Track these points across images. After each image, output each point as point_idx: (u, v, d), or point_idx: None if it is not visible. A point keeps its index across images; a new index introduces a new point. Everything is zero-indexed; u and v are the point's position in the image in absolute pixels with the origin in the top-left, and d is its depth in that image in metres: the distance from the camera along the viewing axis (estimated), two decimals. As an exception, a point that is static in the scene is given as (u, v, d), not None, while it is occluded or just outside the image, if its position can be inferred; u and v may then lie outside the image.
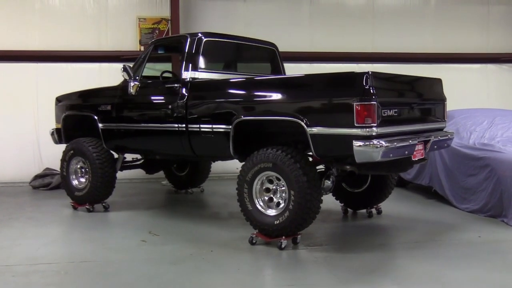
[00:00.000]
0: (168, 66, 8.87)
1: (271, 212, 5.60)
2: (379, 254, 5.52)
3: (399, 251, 5.54)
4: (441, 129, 6.32)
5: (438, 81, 6.41)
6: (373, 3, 11.15)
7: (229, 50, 7.16)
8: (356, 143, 4.85)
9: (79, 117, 7.78)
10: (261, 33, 10.27)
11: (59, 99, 8.16)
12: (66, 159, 7.65)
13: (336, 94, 5.15)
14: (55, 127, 8.15)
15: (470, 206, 7.07)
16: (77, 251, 5.69)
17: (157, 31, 10.20)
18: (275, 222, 5.47)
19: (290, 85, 5.74)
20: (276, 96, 5.60)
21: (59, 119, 8.02)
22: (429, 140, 5.72)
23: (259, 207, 5.65)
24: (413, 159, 5.55)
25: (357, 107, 4.84)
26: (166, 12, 10.27)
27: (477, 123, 7.78)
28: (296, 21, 10.91)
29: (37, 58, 9.98)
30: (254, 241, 5.69)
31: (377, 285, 4.60)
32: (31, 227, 6.82)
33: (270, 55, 7.58)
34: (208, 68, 6.57)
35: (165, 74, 7.21)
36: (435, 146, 5.94)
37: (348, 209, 7.25)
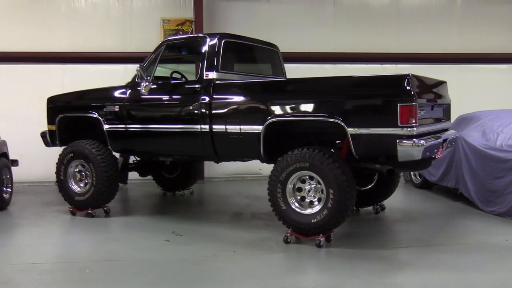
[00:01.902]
0: (191, 67, 8.89)
1: (308, 211, 5.63)
2: (403, 256, 5.48)
3: (424, 254, 5.45)
4: (447, 129, 6.51)
5: (445, 83, 6.50)
6: (398, 3, 11.05)
7: (244, 51, 7.17)
8: (400, 142, 5.04)
9: (77, 118, 7.47)
10: (284, 34, 10.34)
11: (52, 100, 7.77)
12: (64, 163, 7.22)
13: (378, 95, 5.34)
14: (47, 129, 7.73)
15: (496, 209, 6.94)
16: (101, 250, 5.75)
17: (181, 32, 10.25)
18: (312, 220, 5.53)
19: (328, 86, 5.84)
20: (314, 97, 5.69)
21: (52, 120, 7.61)
22: (447, 138, 5.94)
23: (294, 207, 5.68)
24: (435, 157, 5.73)
25: (401, 108, 5.06)
26: (190, 14, 10.33)
27: (504, 124, 7.63)
28: (320, 21, 10.87)
29: (63, 59, 10.14)
30: (289, 240, 5.71)
31: (402, 288, 4.56)
32: (57, 226, 6.93)
33: (274, 57, 7.58)
34: (227, 69, 6.58)
35: (174, 75, 7.15)
36: (448, 145, 6.15)
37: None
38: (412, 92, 5.11)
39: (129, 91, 7.00)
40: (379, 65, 10.69)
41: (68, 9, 10.33)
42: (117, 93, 7.13)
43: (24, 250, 5.81)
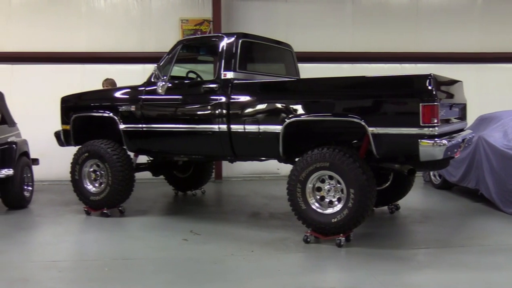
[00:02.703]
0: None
1: (328, 210, 5.64)
2: (421, 256, 5.43)
3: (442, 255, 5.39)
4: (463, 129, 6.48)
5: (461, 83, 6.44)
6: (417, 2, 10.96)
7: (260, 51, 7.17)
8: (422, 142, 5.05)
9: (91, 118, 7.46)
10: (302, 33, 10.33)
11: (66, 100, 7.76)
12: (79, 162, 7.22)
13: (399, 95, 5.36)
14: (61, 129, 7.75)
15: (518, 210, 6.85)
16: (119, 249, 5.80)
17: (199, 32, 10.30)
18: (333, 220, 5.54)
19: (350, 86, 5.85)
20: (335, 96, 5.71)
21: (66, 120, 7.61)
22: (465, 138, 5.91)
23: (314, 206, 5.69)
24: (454, 157, 5.75)
25: (423, 107, 5.07)
26: (208, 14, 10.37)
27: (526, 124, 7.52)
28: (338, 21, 10.83)
29: (83, 59, 10.26)
30: (308, 240, 5.71)
31: (421, 289, 4.52)
32: (75, 225, 7.00)
33: (288, 56, 7.57)
34: (244, 69, 6.58)
35: (190, 75, 7.14)
36: (466, 145, 6.12)
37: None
38: (434, 92, 5.10)
39: (146, 90, 6.99)
40: (398, 65, 10.61)
41: (88, 10, 10.46)
42: (133, 93, 7.12)
43: (44, 247, 5.88)
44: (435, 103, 5.09)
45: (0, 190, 7.51)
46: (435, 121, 5.09)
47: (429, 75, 5.16)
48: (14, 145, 7.67)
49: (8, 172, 7.33)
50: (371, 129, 5.33)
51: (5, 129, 7.88)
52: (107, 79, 8.63)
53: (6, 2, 10.32)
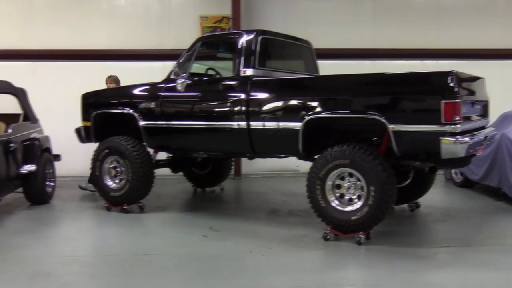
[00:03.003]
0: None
1: (348, 208, 5.61)
2: (442, 255, 5.37)
3: (464, 254, 5.33)
4: (485, 126, 6.40)
5: (483, 80, 6.36)
6: (438, -2, 10.83)
7: (279, 48, 7.15)
8: (444, 140, 5.01)
9: (111, 114, 7.50)
10: (322, 30, 10.29)
11: (86, 96, 7.86)
12: (99, 159, 7.30)
13: (421, 92, 5.32)
14: (82, 125, 7.84)
15: (542, 209, 6.74)
16: (140, 245, 5.84)
17: (218, 29, 10.31)
18: (352, 217, 5.52)
19: (370, 83, 5.80)
20: (355, 93, 5.68)
21: (87, 117, 7.70)
22: (487, 136, 5.85)
23: (334, 204, 5.67)
24: (476, 155, 5.69)
25: (445, 105, 5.03)
26: (227, 11, 10.38)
27: (550, 122, 7.40)
28: (358, 17, 10.76)
29: (103, 56, 10.34)
30: (328, 237, 5.70)
31: (442, 288, 4.47)
32: (96, 220, 7.09)
33: (307, 53, 7.54)
34: (264, 66, 6.57)
35: (209, 71, 7.15)
36: (488, 143, 6.06)
37: None
38: (456, 89, 5.04)
39: (165, 87, 7.02)
40: (419, 62, 10.49)
41: (109, 7, 10.56)
42: (152, 90, 7.16)
43: (65, 242, 5.96)
44: (457, 100, 5.03)
45: (23, 186, 7.63)
46: (457, 118, 5.04)
47: (451, 71, 5.10)
48: (36, 141, 7.78)
49: (30, 168, 7.44)
50: (391, 126, 5.29)
51: (28, 125, 8.00)
52: (110, 76, 8.65)
53: (28, 2, 10.47)
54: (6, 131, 7.30)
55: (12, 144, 7.14)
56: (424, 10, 10.83)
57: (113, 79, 8.62)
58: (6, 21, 10.43)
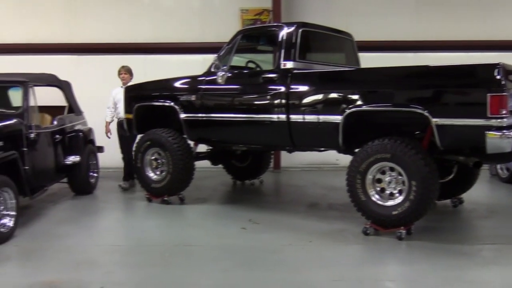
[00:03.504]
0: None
1: (389, 202, 5.55)
2: (486, 252, 5.23)
3: (509, 252, 5.18)
4: None
5: None
6: (486, -13, 10.50)
7: (320, 40, 7.08)
8: (489, 134, 4.89)
9: (153, 107, 7.58)
10: (363, 22, 10.13)
11: (129, 89, 7.99)
12: (141, 151, 7.43)
13: (466, 85, 5.21)
14: (125, 118, 7.97)
15: None
16: (180, 236, 5.93)
17: (259, 22, 10.30)
18: (393, 212, 5.45)
19: (412, 76, 5.69)
20: (397, 86, 5.60)
21: (129, 109, 7.80)
22: None
23: (374, 198, 5.61)
24: None
25: (491, 98, 4.89)
26: (267, 3, 10.34)
27: None
28: (401, 8, 10.54)
29: (145, 50, 10.50)
30: (368, 232, 5.65)
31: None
32: (137, 211, 7.24)
33: (349, 46, 7.43)
34: (304, 58, 6.52)
35: (249, 64, 7.12)
36: None
37: None
38: (503, 82, 4.89)
39: (206, 80, 7.06)
40: (464, 54, 10.20)
41: (151, 1, 10.70)
42: (193, 83, 7.21)
43: (108, 232, 6.11)
44: (504, 93, 4.88)
45: (68, 176, 7.84)
46: (504, 112, 4.88)
47: (498, 64, 4.94)
48: (80, 133, 7.98)
49: (75, 159, 7.64)
50: (435, 120, 5.18)
51: (73, 117, 8.19)
52: (124, 67, 8.68)
53: (72, -4, 10.73)
54: (51, 123, 7.51)
55: (57, 136, 7.34)
56: (469, 0, 10.52)
57: (126, 69, 8.67)
58: (51, 16, 10.68)
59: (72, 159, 7.61)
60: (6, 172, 5.65)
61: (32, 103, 6.68)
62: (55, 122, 7.50)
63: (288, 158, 10.18)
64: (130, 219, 6.89)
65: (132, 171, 8.29)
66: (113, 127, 8.88)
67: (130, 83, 8.41)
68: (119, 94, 8.41)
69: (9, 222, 5.56)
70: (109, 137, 8.77)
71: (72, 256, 5.09)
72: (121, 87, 8.49)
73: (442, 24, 10.41)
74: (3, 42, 10.49)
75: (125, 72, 8.63)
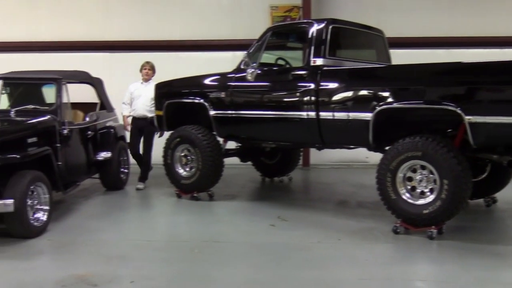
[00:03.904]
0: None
1: (419, 201, 5.48)
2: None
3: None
4: None
5: None
6: (521, -19, 10.23)
7: (350, 37, 7.01)
8: None
9: (183, 104, 7.62)
10: (393, 18, 10.01)
11: (160, 86, 8.00)
12: (171, 147, 7.48)
13: (500, 82, 5.09)
14: (155, 114, 8.00)
15: None
16: (209, 232, 5.96)
17: (288, 19, 10.26)
18: (424, 211, 5.38)
19: (445, 73, 5.61)
20: (429, 83, 5.51)
21: (160, 106, 7.83)
22: None
23: (405, 197, 5.55)
24: None
25: None
26: (297, 0, 10.30)
27: None
28: (433, 4, 10.37)
29: (177, 47, 10.61)
30: (398, 231, 5.60)
31: (519, 287, 4.27)
32: (167, 207, 7.31)
33: (379, 42, 7.33)
34: (334, 55, 6.47)
35: (279, 61, 7.10)
36: None
37: None
38: None
39: (235, 77, 7.08)
40: (498, 50, 9.98)
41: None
42: (223, 80, 7.23)
43: (138, 227, 6.19)
44: None
45: (100, 172, 7.96)
46: None
47: None
48: (112, 130, 8.10)
49: (106, 155, 7.76)
50: (468, 118, 5.07)
51: (104, 114, 8.31)
52: (148, 62, 8.64)
53: (105, -5, 10.91)
54: (84, 119, 7.64)
55: (89, 132, 7.48)
56: (504, -5, 10.29)
57: (151, 65, 8.65)
58: (85, 14, 10.88)
59: (104, 155, 7.73)
60: (40, 168, 5.78)
61: (65, 100, 6.80)
62: (87, 119, 7.63)
63: (317, 155, 10.14)
64: (160, 215, 6.97)
65: (147, 172, 8.40)
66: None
67: (151, 80, 8.42)
68: (139, 90, 8.33)
69: (42, 216, 5.69)
70: (128, 131, 8.77)
71: (103, 250, 5.18)
72: (141, 83, 8.44)
73: (475, 20, 10.18)
74: (41, 40, 10.78)
75: (150, 68, 8.62)
